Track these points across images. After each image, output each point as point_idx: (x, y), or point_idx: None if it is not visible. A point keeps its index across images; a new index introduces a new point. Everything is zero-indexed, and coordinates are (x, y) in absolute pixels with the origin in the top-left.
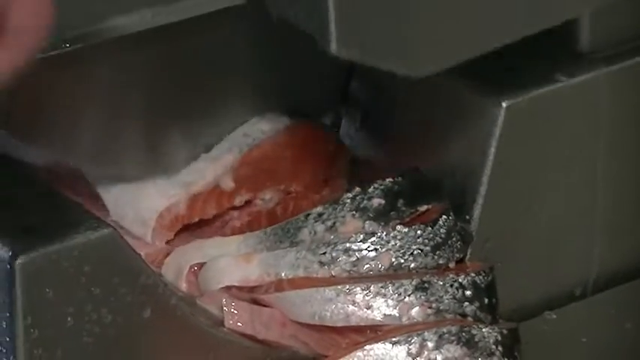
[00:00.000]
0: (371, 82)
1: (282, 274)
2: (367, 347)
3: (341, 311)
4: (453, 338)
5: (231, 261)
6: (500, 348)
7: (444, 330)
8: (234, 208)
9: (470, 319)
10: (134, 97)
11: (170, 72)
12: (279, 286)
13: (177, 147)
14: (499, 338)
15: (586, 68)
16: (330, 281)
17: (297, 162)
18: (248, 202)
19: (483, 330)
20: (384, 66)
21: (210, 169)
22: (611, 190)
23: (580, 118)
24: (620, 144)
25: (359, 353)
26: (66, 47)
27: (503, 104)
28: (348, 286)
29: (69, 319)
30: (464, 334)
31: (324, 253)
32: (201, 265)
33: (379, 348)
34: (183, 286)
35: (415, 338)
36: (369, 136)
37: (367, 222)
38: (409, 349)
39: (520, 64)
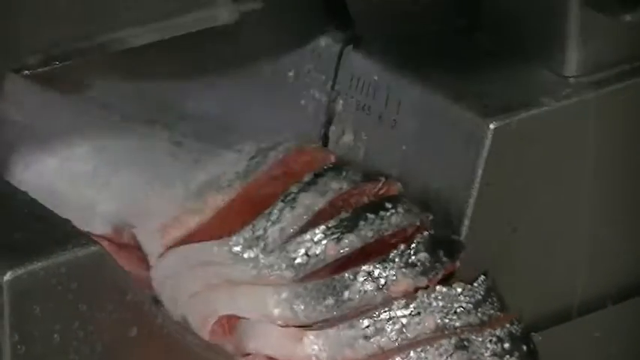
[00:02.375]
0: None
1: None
2: None
3: None
4: None
5: (281, 336)
6: None
7: None
8: None
9: None
10: None
11: None
12: None
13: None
14: None
15: (573, 92)
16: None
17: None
18: None
19: None
20: None
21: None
22: (596, 212)
23: (566, 142)
24: (606, 167)
25: None
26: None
27: (491, 126)
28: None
29: (55, 335)
30: None
31: (368, 327)
32: (229, 318)
33: None
34: (206, 334)
35: None
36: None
37: (417, 278)
38: None
39: (507, 87)
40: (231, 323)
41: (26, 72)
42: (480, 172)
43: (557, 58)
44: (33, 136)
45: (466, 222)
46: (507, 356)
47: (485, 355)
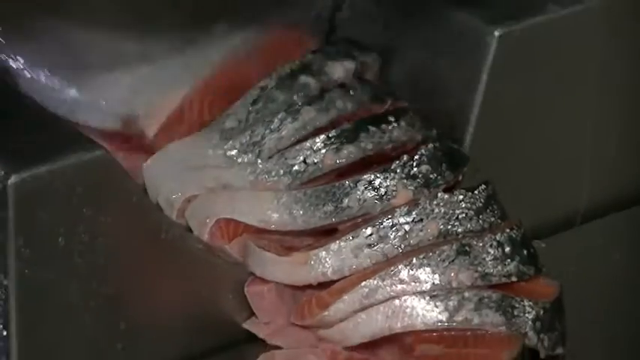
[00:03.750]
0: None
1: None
2: (404, 298)
3: (392, 294)
4: (492, 305)
5: (287, 263)
6: (537, 324)
7: (485, 295)
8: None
9: (514, 277)
10: None
11: None
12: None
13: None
14: (540, 314)
15: (577, 1)
16: (372, 270)
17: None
18: None
19: (525, 304)
20: None
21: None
22: (601, 121)
23: (572, 49)
24: (611, 75)
25: (396, 301)
26: None
27: (496, 33)
28: (391, 268)
29: (60, 239)
30: (504, 303)
31: (371, 235)
32: (228, 221)
33: (417, 300)
34: (205, 236)
35: (454, 296)
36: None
37: (417, 189)
38: (447, 305)
39: None
40: (231, 228)
41: None
42: (484, 78)
43: None
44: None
45: (470, 129)
46: (508, 260)
47: (487, 259)
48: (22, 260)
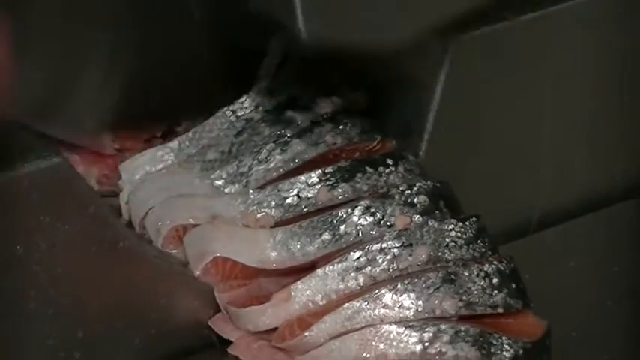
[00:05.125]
0: None
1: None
2: (380, 326)
3: (375, 317)
4: (469, 339)
5: (270, 307)
6: None
7: (462, 328)
8: None
9: (501, 309)
10: None
11: None
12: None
13: None
14: (519, 353)
15: (535, 7)
16: (358, 293)
17: None
18: None
19: (504, 341)
20: (356, 46)
21: None
22: (556, 127)
23: (526, 57)
24: (566, 81)
25: (371, 329)
26: None
27: (451, 41)
28: (375, 291)
29: (18, 247)
30: (482, 338)
31: (359, 258)
32: (225, 260)
33: (392, 329)
34: (198, 271)
35: (430, 327)
36: None
37: (416, 217)
38: (422, 336)
39: (470, 2)
40: (227, 267)
41: None
42: (440, 86)
43: None
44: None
45: (426, 136)
46: (495, 291)
47: (472, 289)
48: None
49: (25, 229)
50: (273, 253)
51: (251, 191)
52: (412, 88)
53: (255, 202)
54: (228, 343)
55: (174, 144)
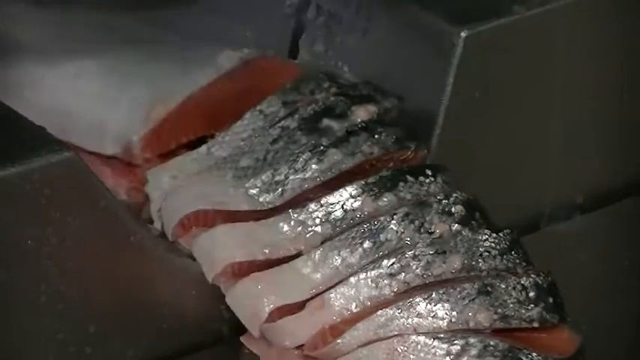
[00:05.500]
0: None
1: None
2: (409, 336)
3: (408, 326)
4: (497, 354)
5: (304, 317)
6: None
7: (491, 343)
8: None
9: (536, 323)
10: None
11: None
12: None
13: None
14: None
15: (543, 1)
16: (392, 300)
17: (259, 95)
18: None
19: (534, 357)
20: None
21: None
22: (566, 122)
23: (537, 50)
24: (576, 77)
25: (399, 338)
26: None
27: (462, 34)
28: (409, 300)
29: (29, 241)
30: (510, 354)
31: (392, 265)
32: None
33: (420, 340)
34: (256, 331)
35: (459, 340)
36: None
37: (454, 225)
38: (449, 349)
39: None
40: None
41: None
42: (450, 80)
43: None
44: (37, 54)
45: (436, 131)
46: (532, 305)
47: (508, 302)
48: None
49: (35, 223)
50: (318, 276)
51: (290, 211)
52: (423, 83)
53: (300, 222)
54: (239, 337)
55: (202, 149)
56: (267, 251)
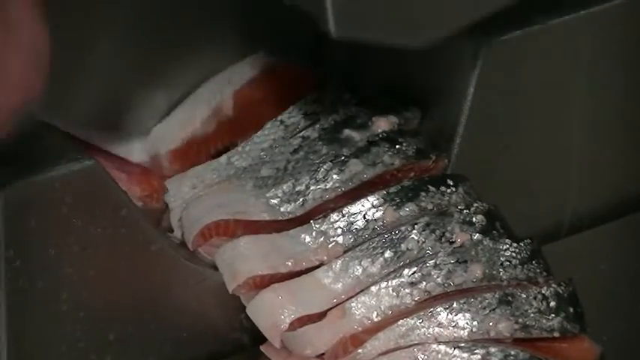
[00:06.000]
0: None
1: (375, 317)
2: (429, 345)
3: (429, 335)
4: None
5: (325, 327)
6: None
7: (512, 352)
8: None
9: (557, 333)
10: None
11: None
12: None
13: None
14: None
15: (565, 11)
16: (413, 310)
17: (281, 104)
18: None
19: None
20: (385, 41)
21: (193, 116)
22: (587, 131)
23: (558, 60)
24: (598, 86)
25: (419, 347)
26: None
27: (484, 44)
28: (430, 310)
29: (51, 250)
30: None
31: (414, 274)
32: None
33: (441, 349)
34: (277, 342)
35: (479, 350)
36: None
37: (475, 235)
38: (470, 358)
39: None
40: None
41: None
42: (471, 90)
43: None
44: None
45: (458, 139)
46: (552, 315)
47: (529, 311)
48: (12, 271)
49: (57, 231)
50: (339, 285)
51: (312, 222)
52: (444, 92)
53: (321, 232)
54: (259, 347)
55: (223, 159)
56: (289, 264)
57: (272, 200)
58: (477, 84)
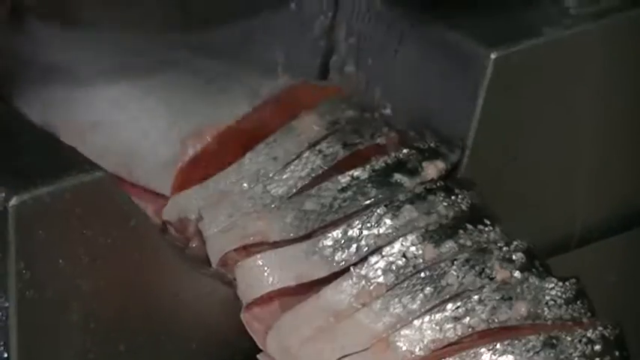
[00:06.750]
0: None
1: (418, 352)
2: None
3: None
4: None
5: (369, 356)
6: None
7: None
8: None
9: None
10: None
11: None
12: None
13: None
14: None
15: (574, 23)
16: (456, 349)
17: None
18: None
19: None
20: None
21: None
22: (596, 143)
23: (567, 72)
24: (606, 99)
25: None
26: None
27: (492, 56)
28: (473, 350)
29: (61, 261)
30: None
31: (457, 308)
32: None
33: None
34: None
35: None
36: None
37: (515, 272)
38: None
39: (509, 18)
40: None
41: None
42: (480, 101)
43: None
44: (71, 77)
45: (467, 151)
46: (597, 359)
47: (574, 355)
48: (22, 282)
49: (67, 242)
50: (379, 325)
51: (352, 268)
52: (453, 104)
53: (362, 276)
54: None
55: (259, 188)
56: (332, 320)
57: (325, 251)
58: (485, 96)
